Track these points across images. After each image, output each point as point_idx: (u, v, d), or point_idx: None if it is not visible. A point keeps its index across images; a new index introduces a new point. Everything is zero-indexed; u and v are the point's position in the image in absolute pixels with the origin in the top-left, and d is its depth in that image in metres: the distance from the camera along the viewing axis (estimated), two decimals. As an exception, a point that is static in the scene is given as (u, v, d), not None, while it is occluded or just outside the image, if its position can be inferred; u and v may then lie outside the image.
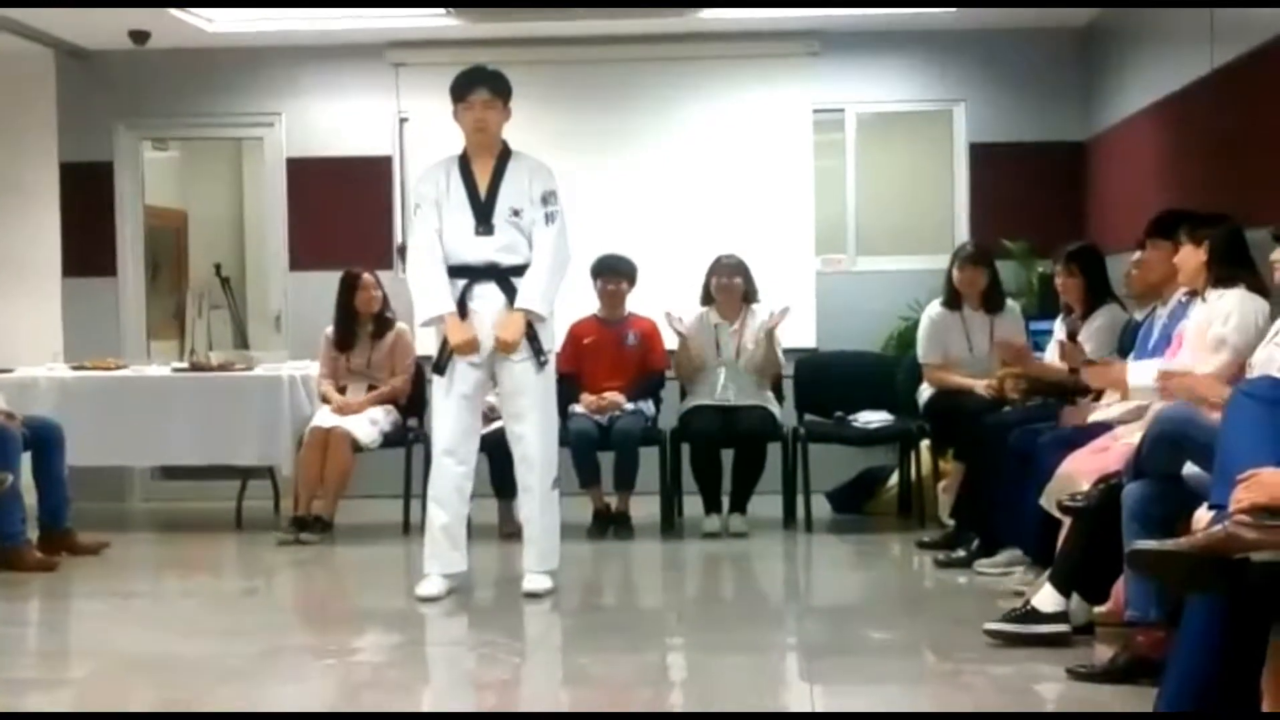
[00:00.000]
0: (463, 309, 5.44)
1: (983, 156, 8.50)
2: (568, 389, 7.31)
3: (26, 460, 6.53)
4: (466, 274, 5.48)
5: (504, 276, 5.48)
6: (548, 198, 5.50)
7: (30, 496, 6.53)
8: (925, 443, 7.24)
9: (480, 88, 5.48)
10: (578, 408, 7.17)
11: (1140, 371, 5.00)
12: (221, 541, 7.41)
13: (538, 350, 5.47)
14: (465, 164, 5.54)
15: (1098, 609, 4.56)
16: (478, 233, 5.44)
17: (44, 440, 6.59)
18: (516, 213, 5.45)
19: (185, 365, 7.79)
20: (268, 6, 7.67)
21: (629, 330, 7.36)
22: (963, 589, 5.67)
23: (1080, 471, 4.80)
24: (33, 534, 6.47)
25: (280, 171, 8.69)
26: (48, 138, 8.69)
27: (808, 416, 7.49)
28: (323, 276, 7.91)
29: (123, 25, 7.88)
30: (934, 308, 6.90)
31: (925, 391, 6.91)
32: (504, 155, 5.55)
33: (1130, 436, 4.66)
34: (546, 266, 5.47)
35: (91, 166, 8.68)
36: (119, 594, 5.98)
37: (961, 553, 6.00)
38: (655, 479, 7.21)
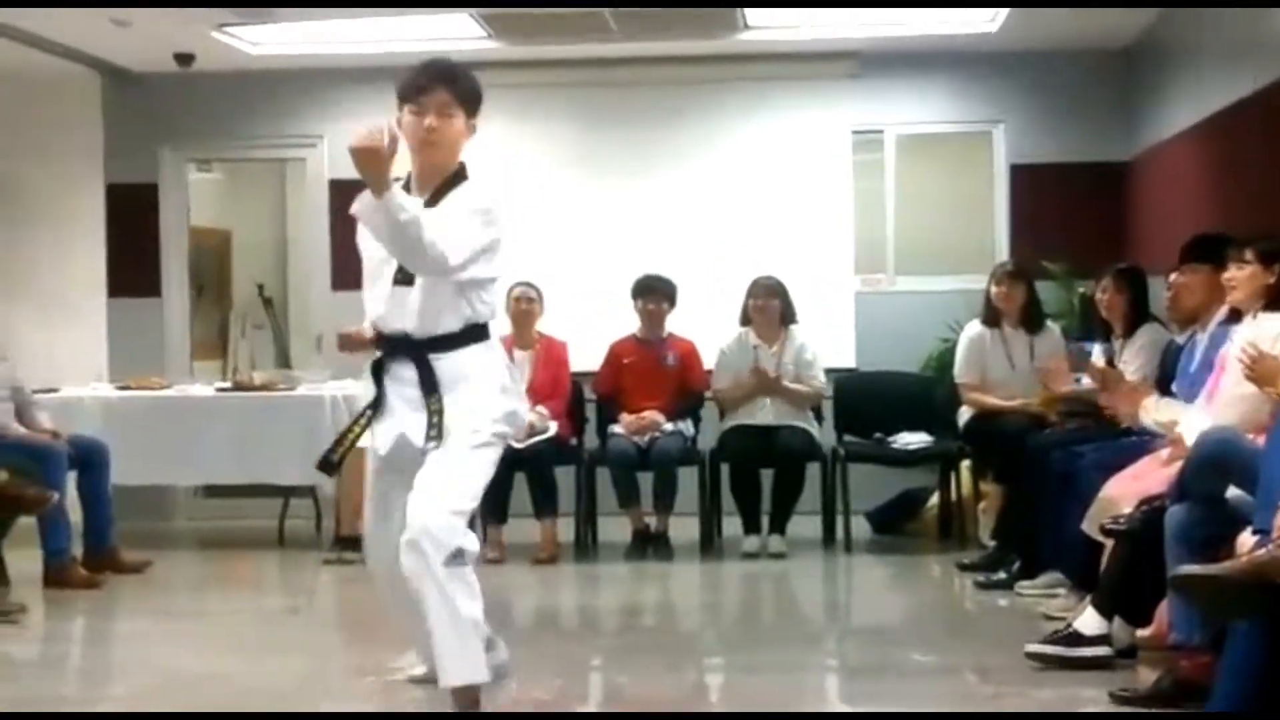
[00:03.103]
0: (380, 396, 3.92)
1: (1023, 177, 8.48)
2: (607, 408, 7.36)
3: (72, 479, 6.59)
4: (384, 343, 3.92)
5: (420, 350, 3.83)
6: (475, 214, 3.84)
7: (75, 515, 6.59)
8: (965, 464, 7.22)
9: (438, 87, 3.85)
10: (617, 428, 7.19)
11: (1167, 410, 4.96)
12: (264, 560, 7.46)
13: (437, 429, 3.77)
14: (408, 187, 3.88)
15: (1141, 632, 4.53)
16: (395, 281, 3.81)
17: (89, 459, 6.66)
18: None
19: (228, 385, 7.85)
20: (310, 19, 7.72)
21: (668, 350, 7.37)
22: (1004, 611, 5.64)
23: (1123, 494, 4.78)
24: (77, 552, 6.53)
25: (323, 192, 8.76)
26: (94, 159, 8.80)
27: (847, 437, 7.48)
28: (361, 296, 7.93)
29: (168, 48, 7.98)
30: (973, 327, 6.88)
31: (965, 413, 6.88)
32: (452, 181, 3.90)
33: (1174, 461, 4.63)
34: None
35: (137, 188, 8.78)
36: (162, 612, 6.03)
37: (1002, 575, 5.98)
38: (694, 499, 7.22)
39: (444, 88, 3.86)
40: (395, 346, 3.86)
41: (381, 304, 3.85)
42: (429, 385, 3.79)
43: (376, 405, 3.89)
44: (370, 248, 3.84)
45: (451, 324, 3.83)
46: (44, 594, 6.19)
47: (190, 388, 7.79)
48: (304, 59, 8.31)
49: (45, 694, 4.71)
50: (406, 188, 3.84)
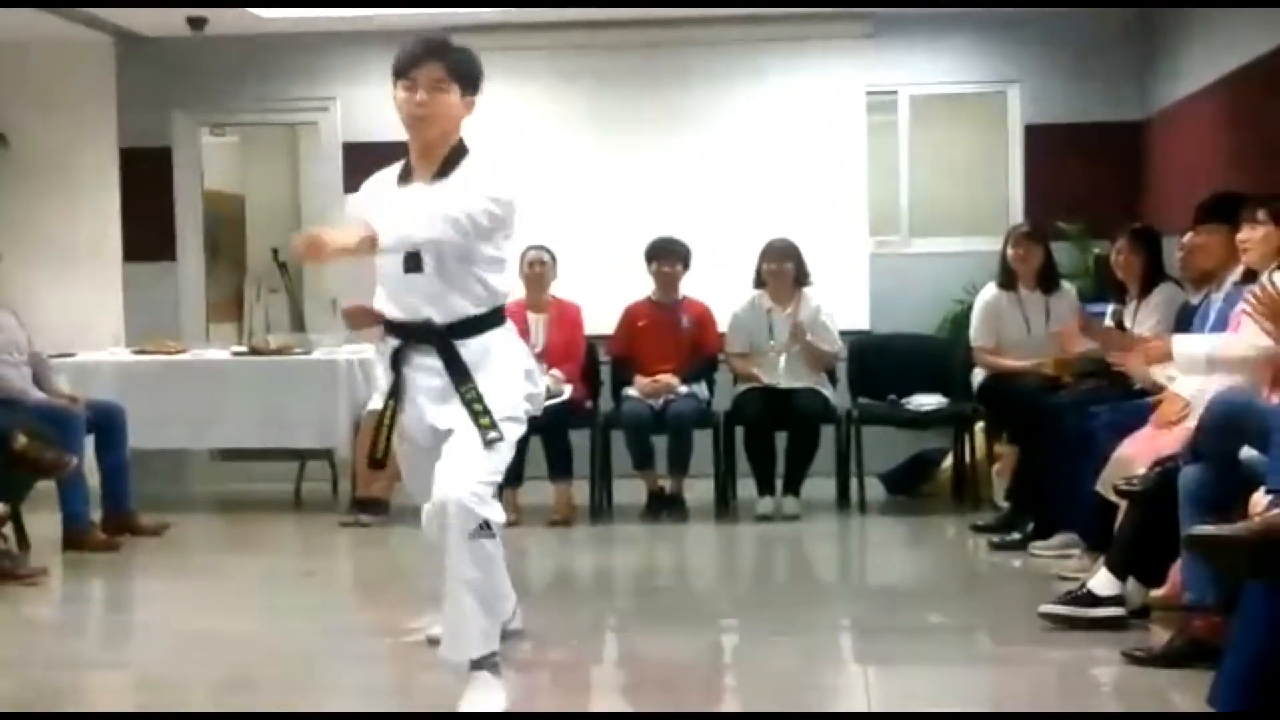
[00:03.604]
0: (399, 383, 3.89)
1: (1038, 138, 8.44)
2: (621, 371, 7.37)
3: (89, 443, 6.63)
4: (399, 332, 3.88)
5: (444, 337, 3.79)
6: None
7: (93, 479, 6.64)
8: (980, 425, 7.22)
9: (430, 62, 3.78)
10: (632, 391, 7.20)
11: (1188, 342, 4.92)
12: (280, 522, 7.50)
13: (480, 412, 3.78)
14: (405, 175, 3.91)
15: (1154, 593, 4.55)
16: (406, 269, 3.75)
17: (106, 423, 6.70)
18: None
19: (244, 349, 7.88)
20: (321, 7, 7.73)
21: (683, 313, 7.37)
22: (1017, 572, 5.66)
23: (1137, 455, 4.79)
24: (96, 515, 6.57)
25: (336, 156, 8.75)
26: (108, 124, 8.81)
27: (861, 399, 7.48)
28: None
29: (180, 12, 7.97)
30: (989, 290, 6.87)
31: (979, 374, 6.88)
32: (453, 159, 3.85)
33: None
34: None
35: (151, 152, 8.78)
36: (180, 574, 6.08)
37: (1016, 536, 5.99)
38: (709, 461, 7.23)
39: (436, 62, 3.78)
40: (414, 334, 3.81)
41: (397, 292, 3.82)
42: (460, 373, 3.76)
43: (396, 393, 3.86)
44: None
45: (470, 307, 3.80)
46: (63, 557, 6.24)
47: (206, 352, 7.83)
48: (316, 22, 8.29)
49: (65, 655, 4.76)
50: (407, 169, 3.87)
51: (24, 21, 7.88)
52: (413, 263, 3.73)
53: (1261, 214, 4.76)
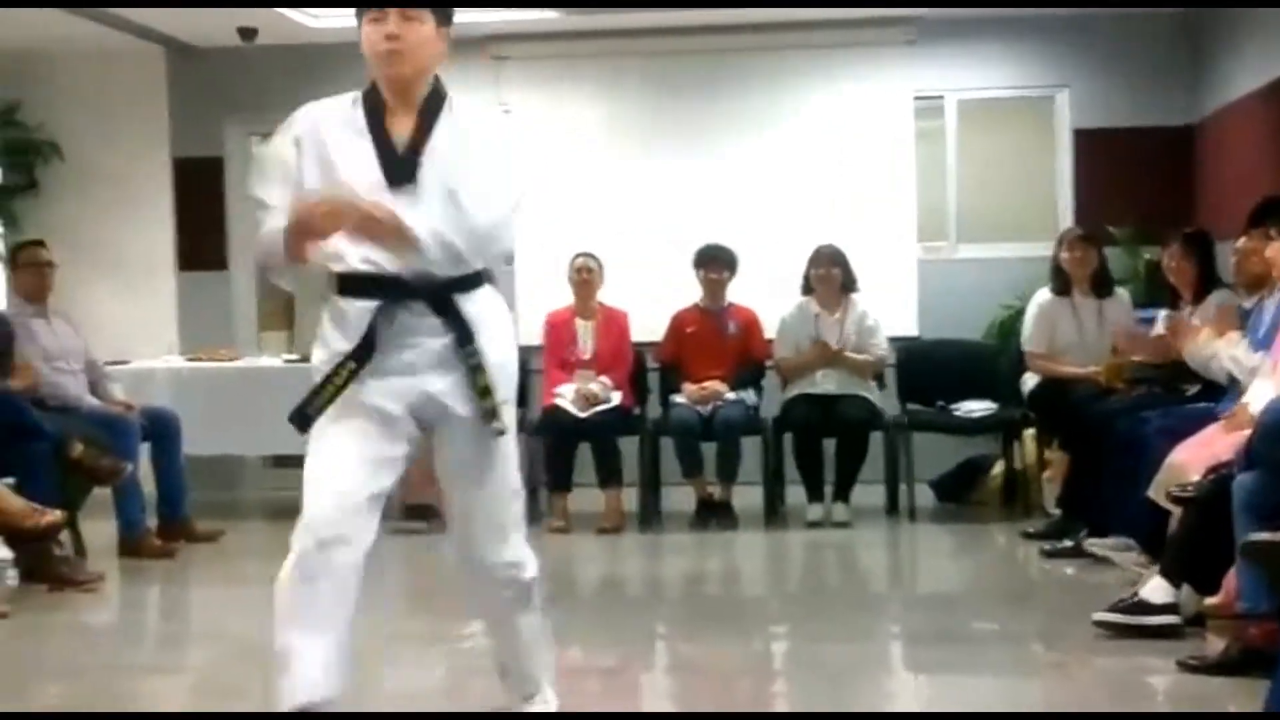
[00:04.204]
0: (369, 348, 3.18)
1: (1087, 142, 8.39)
2: (669, 378, 7.38)
3: (145, 450, 6.71)
4: (377, 288, 3.19)
5: (441, 294, 3.21)
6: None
7: (149, 486, 6.71)
8: (1030, 431, 7.18)
9: None
10: (680, 398, 7.21)
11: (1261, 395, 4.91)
12: (331, 529, 7.54)
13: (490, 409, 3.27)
14: (375, 113, 3.29)
15: (1209, 600, 4.51)
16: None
17: (161, 430, 6.77)
18: (455, 194, 3.19)
19: (295, 356, 7.94)
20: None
21: (730, 319, 7.38)
22: (1070, 579, 5.63)
23: (1190, 461, 4.75)
24: (152, 522, 6.64)
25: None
26: (160, 134, 8.91)
27: (910, 405, 7.46)
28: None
29: (231, 23, 8.05)
30: (1043, 294, 6.83)
31: (1030, 380, 6.85)
32: (433, 106, 3.31)
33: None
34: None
35: (202, 162, 8.87)
36: (235, 580, 6.13)
37: (1068, 543, 5.95)
38: (758, 468, 7.23)
39: None
40: (404, 288, 3.17)
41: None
42: (465, 334, 3.21)
43: (362, 357, 3.16)
44: (352, 174, 3.17)
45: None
46: (119, 563, 6.31)
47: (258, 359, 7.90)
48: (364, 32, 8.35)
49: (122, 661, 4.82)
50: (378, 116, 3.26)
51: (76, 33, 8.00)
52: (411, 198, 3.17)
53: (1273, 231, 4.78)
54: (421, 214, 3.13)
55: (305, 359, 7.82)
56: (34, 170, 8.70)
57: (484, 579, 3.42)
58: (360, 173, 3.18)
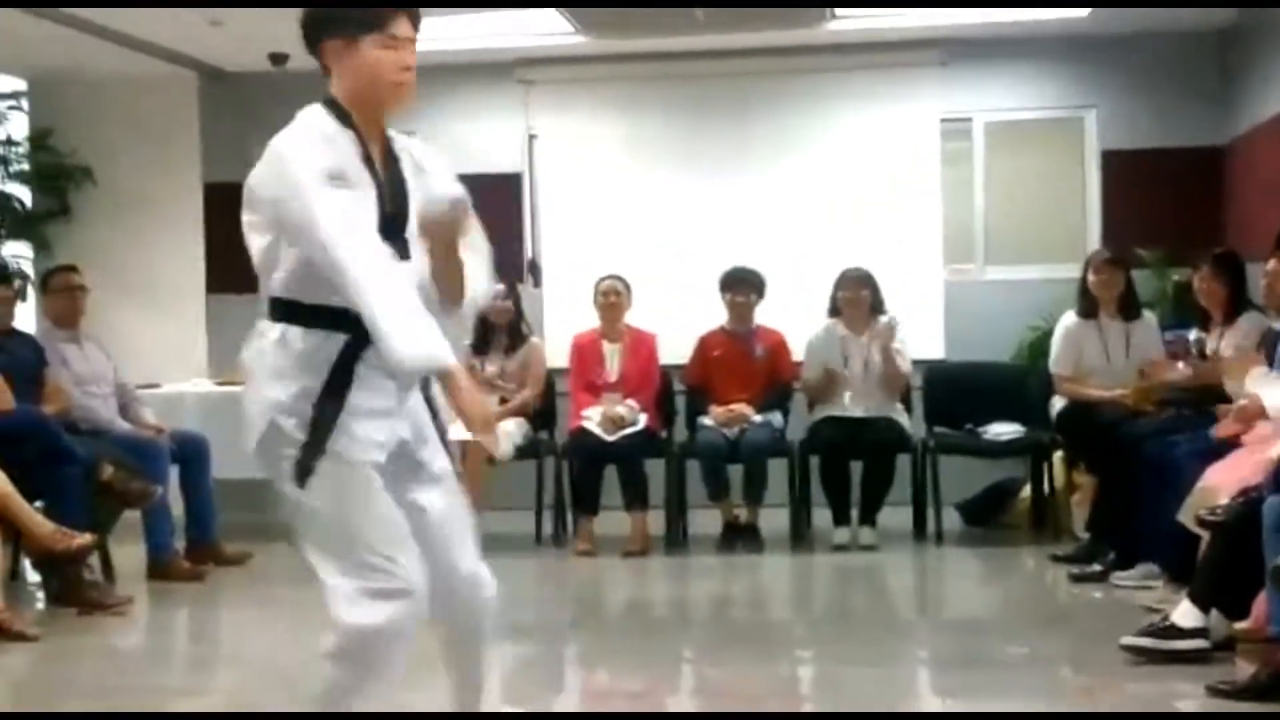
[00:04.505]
0: (345, 385, 2.95)
1: (1116, 163, 8.37)
2: (696, 401, 7.38)
3: (174, 473, 6.74)
4: (346, 322, 2.91)
5: None
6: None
7: (178, 509, 6.74)
8: (1058, 454, 7.15)
9: (410, 15, 3.19)
10: (706, 420, 7.21)
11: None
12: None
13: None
14: (361, 142, 3.09)
15: (1238, 625, 4.48)
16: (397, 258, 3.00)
17: (190, 453, 6.81)
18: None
19: (323, 380, 7.97)
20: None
21: (757, 342, 7.38)
22: (1099, 604, 5.60)
23: (1219, 485, 4.73)
24: (181, 545, 6.67)
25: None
26: (191, 159, 8.98)
27: (937, 428, 7.44)
28: (455, 291, 8.04)
29: (262, 48, 8.11)
30: (1069, 317, 6.80)
31: (1058, 403, 6.82)
32: (386, 136, 3.17)
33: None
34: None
35: (234, 186, 8.75)
36: (264, 603, 6.15)
37: (1097, 567, 5.92)
38: (784, 491, 7.22)
39: (412, 18, 3.20)
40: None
41: None
42: (427, 380, 3.04)
43: (337, 399, 2.93)
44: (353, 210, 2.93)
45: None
46: (149, 586, 6.33)
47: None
48: (393, 57, 8.40)
49: (152, 684, 4.83)
50: (364, 146, 3.06)
51: (109, 58, 8.08)
52: (402, 249, 3.01)
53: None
54: (413, 265, 3.03)
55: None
56: (66, 195, 8.78)
57: (466, 599, 3.18)
58: (369, 218, 2.97)
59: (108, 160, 8.79)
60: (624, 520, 7.05)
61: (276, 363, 2.99)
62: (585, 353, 7.37)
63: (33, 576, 6.27)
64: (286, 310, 3.02)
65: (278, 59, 8.28)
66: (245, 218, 3.18)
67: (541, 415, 7.50)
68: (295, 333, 2.98)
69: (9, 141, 8.76)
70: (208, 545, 6.78)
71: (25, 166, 8.78)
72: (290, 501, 2.97)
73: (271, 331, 3.02)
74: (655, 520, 7.11)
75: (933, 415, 7.50)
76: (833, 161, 8.44)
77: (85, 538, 5.61)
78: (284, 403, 2.96)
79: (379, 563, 2.89)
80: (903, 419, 7.23)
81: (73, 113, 8.76)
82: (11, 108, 8.82)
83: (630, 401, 7.14)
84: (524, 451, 7.28)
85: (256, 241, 3.13)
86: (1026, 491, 7.47)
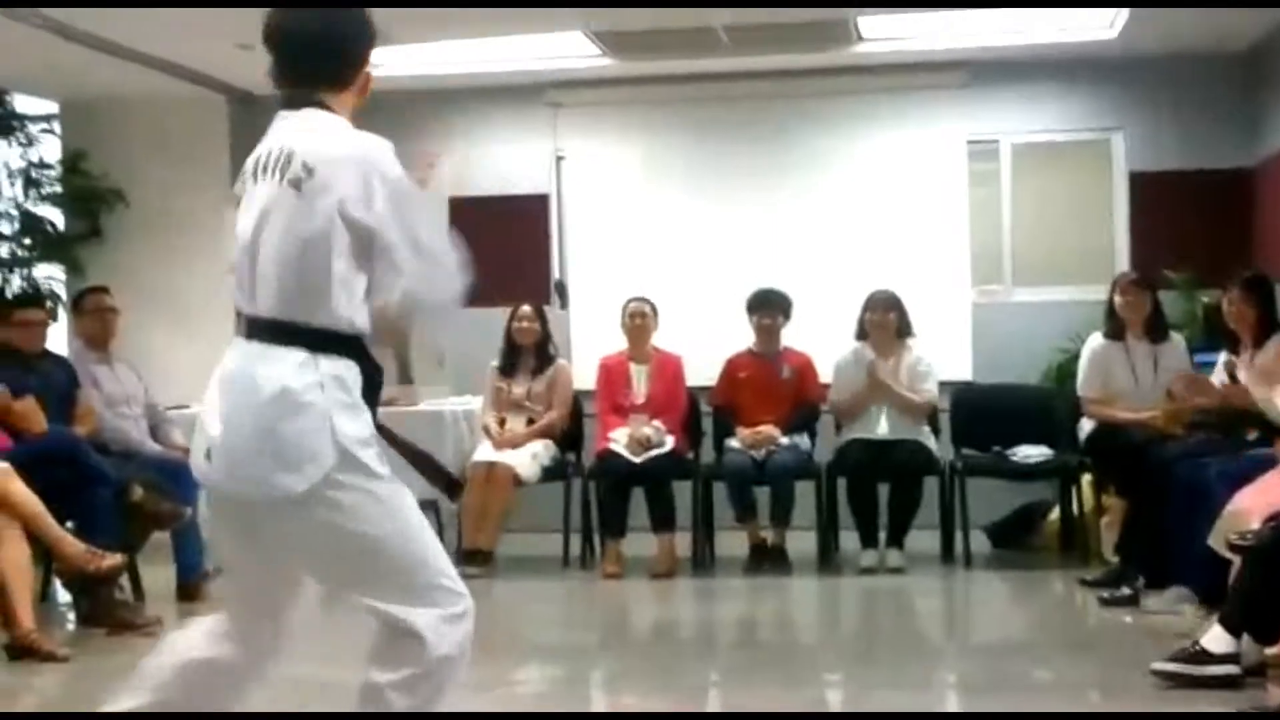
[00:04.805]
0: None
1: (1143, 185, 8.35)
2: (723, 422, 7.38)
3: (203, 495, 6.74)
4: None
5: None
6: None
7: (207, 530, 6.74)
8: (1087, 477, 7.12)
9: None
10: (733, 442, 7.21)
11: None
12: (386, 573, 7.58)
13: None
14: None
15: (1270, 650, 4.45)
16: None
17: (219, 475, 6.81)
18: None
19: (352, 401, 7.99)
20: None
21: (784, 364, 7.37)
22: (1128, 628, 5.57)
23: (1251, 508, 4.71)
24: (209, 566, 6.69)
25: (441, 210, 8.88)
26: (222, 180, 9.00)
27: (965, 450, 7.41)
28: (483, 312, 8.06)
29: (293, 72, 8.17)
30: (1096, 339, 6.78)
31: (1086, 425, 6.79)
32: None
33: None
34: None
35: (262, 209, 8.96)
36: (291, 624, 6.16)
37: (1127, 591, 5.89)
38: (811, 513, 7.21)
39: None
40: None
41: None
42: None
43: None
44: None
45: None
46: (177, 607, 6.35)
47: (316, 404, 7.93)
48: (421, 80, 8.45)
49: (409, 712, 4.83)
50: None
51: (141, 81, 8.16)
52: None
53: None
54: None
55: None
56: (98, 217, 8.86)
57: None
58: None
59: (139, 182, 8.86)
60: (651, 542, 7.05)
61: (342, 396, 2.77)
62: (612, 374, 7.39)
63: (64, 597, 6.31)
64: (341, 342, 2.79)
65: (308, 83, 8.34)
66: (324, 240, 2.75)
67: (568, 437, 7.52)
68: (345, 364, 2.79)
69: (41, 164, 8.85)
70: (236, 566, 6.78)
71: (58, 189, 8.87)
72: (335, 543, 2.76)
73: (324, 363, 2.76)
74: (682, 542, 7.11)
75: (960, 437, 7.48)
76: (859, 183, 8.45)
77: (115, 558, 5.64)
78: (365, 436, 2.78)
79: (448, 584, 2.80)
80: (930, 441, 7.21)
81: (104, 135, 8.84)
82: (44, 130, 8.92)
83: (657, 423, 7.15)
84: (551, 473, 7.30)
85: (336, 266, 2.75)
86: (1055, 514, 7.44)
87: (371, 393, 2.82)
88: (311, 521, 2.74)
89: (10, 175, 8.77)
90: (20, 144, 8.78)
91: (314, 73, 2.96)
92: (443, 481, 3.26)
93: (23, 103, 8.88)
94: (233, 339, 2.90)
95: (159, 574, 6.49)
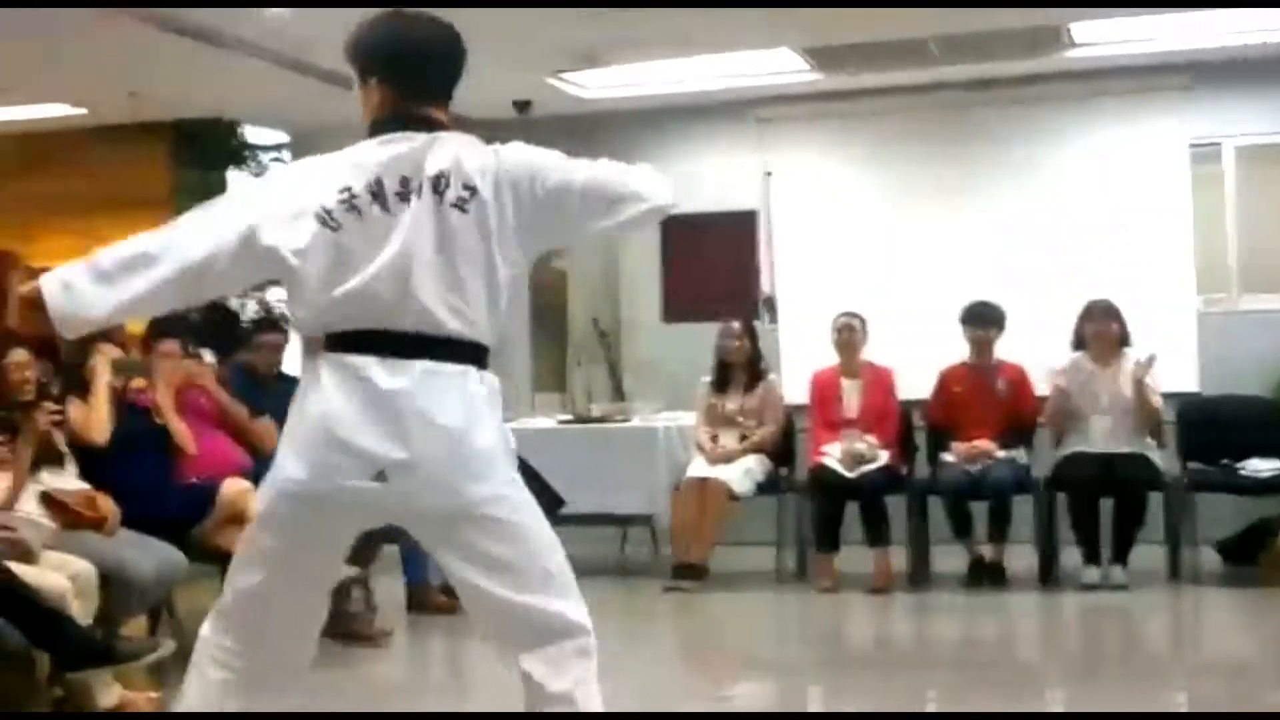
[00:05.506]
0: None
1: (1378, 186, 7.99)
2: (937, 437, 7.31)
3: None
4: None
5: None
6: None
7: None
8: (1324, 491, 6.83)
9: None
10: (949, 457, 7.13)
11: None
12: (605, 587, 7.69)
13: None
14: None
15: None
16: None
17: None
18: None
19: (569, 417, 8.17)
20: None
21: (998, 377, 7.26)
22: (1370, 649, 5.34)
23: None
24: (436, 579, 6.89)
25: (654, 227, 9.00)
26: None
27: (1192, 464, 7.19)
28: (694, 328, 8.18)
29: (506, 95, 8.40)
30: (1330, 348, 6.52)
31: (1322, 437, 6.53)
32: None
33: None
34: None
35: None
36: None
37: (1367, 610, 5.64)
38: (1030, 528, 7.08)
39: None
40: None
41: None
42: None
43: None
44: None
45: None
46: (407, 618, 6.58)
47: (533, 420, 8.15)
48: (632, 100, 8.60)
49: (411, 712, 5.03)
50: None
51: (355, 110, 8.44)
52: None
53: None
54: None
55: (578, 419, 8.11)
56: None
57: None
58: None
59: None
60: (865, 556, 7.02)
61: (500, 407, 2.89)
62: (824, 389, 7.39)
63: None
64: (487, 355, 2.88)
65: (522, 106, 8.56)
66: (490, 258, 2.83)
67: (781, 451, 7.54)
68: (493, 376, 2.89)
69: (273, 191, 9.25)
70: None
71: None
72: (518, 542, 2.85)
73: (487, 376, 2.85)
74: (897, 557, 7.06)
75: (1187, 451, 7.25)
76: (1076, 190, 8.27)
77: (350, 570, 5.86)
78: (513, 445, 2.90)
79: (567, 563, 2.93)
80: (1154, 454, 7.01)
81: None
82: (274, 159, 9.33)
83: (870, 437, 7.12)
84: (764, 488, 7.32)
85: (500, 273, 2.84)
86: (1288, 530, 7.16)
87: None
88: (497, 527, 2.81)
89: (244, 203, 9.19)
90: (252, 173, 9.21)
91: (444, 87, 3.08)
92: (546, 498, 3.38)
93: (253, 134, 9.31)
94: (343, 358, 2.79)
95: (388, 586, 6.71)
